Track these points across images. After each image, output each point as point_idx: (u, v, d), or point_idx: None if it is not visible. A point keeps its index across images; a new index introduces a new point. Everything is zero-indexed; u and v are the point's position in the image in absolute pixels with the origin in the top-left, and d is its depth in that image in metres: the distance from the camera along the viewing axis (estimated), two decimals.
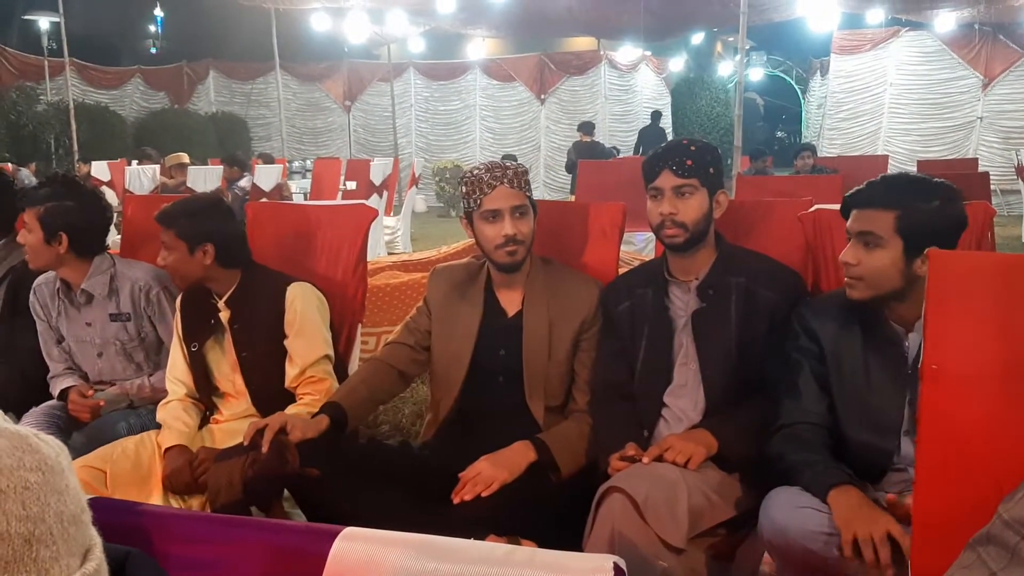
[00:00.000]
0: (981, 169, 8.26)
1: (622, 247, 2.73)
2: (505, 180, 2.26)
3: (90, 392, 2.73)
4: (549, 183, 17.42)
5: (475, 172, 2.31)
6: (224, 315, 2.58)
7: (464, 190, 2.33)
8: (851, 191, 2.03)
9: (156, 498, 2.35)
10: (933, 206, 1.90)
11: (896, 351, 1.97)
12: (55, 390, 2.79)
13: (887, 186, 1.97)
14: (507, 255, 2.28)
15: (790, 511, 1.83)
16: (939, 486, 1.53)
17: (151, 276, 2.77)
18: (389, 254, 8.91)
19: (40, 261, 2.71)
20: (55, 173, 2.86)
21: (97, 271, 2.75)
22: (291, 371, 2.55)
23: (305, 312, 2.55)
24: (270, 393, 2.54)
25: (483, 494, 2.02)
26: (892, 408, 1.93)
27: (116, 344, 2.77)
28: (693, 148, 2.21)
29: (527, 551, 1.19)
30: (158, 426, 2.57)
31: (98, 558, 0.73)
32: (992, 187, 10.25)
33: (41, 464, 0.70)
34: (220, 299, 2.59)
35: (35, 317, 2.85)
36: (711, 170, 2.22)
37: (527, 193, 2.30)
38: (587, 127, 11.30)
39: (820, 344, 2.05)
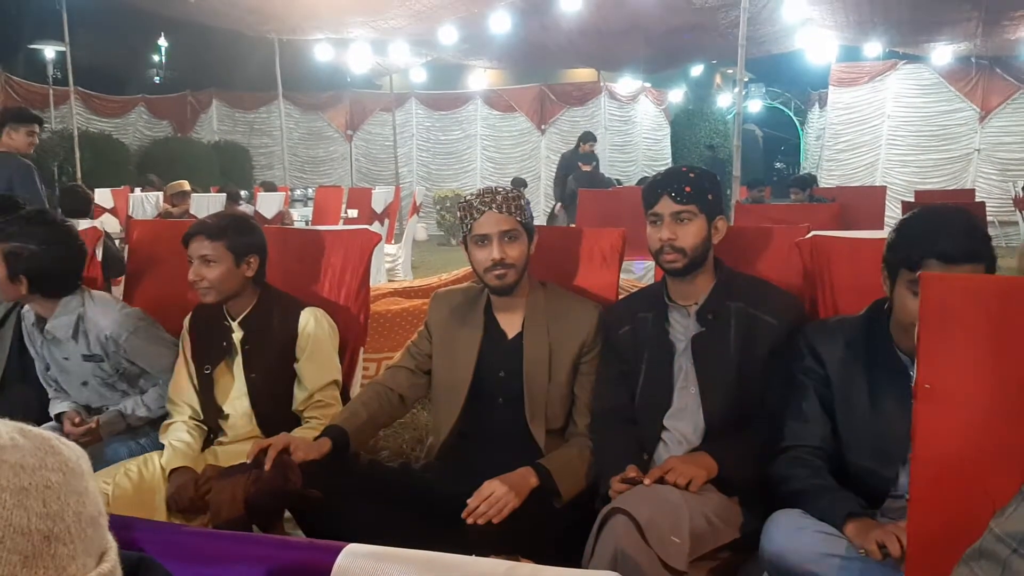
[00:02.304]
0: (978, 199, 8.31)
1: (621, 275, 2.76)
2: (494, 205, 2.30)
3: (77, 419, 2.69)
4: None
5: (467, 198, 2.37)
6: (237, 335, 2.61)
7: (459, 215, 2.39)
8: (936, 243, 1.85)
9: (159, 519, 2.36)
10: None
11: (902, 380, 1.96)
12: (52, 412, 2.79)
13: (977, 237, 1.89)
14: (496, 278, 2.32)
15: (792, 533, 1.85)
16: (933, 504, 1.54)
17: (118, 324, 2.66)
18: (389, 281, 8.93)
19: (6, 296, 2.66)
20: (29, 211, 2.76)
21: (63, 311, 2.66)
22: (300, 394, 2.58)
23: (317, 337, 2.59)
24: (276, 415, 2.56)
25: (494, 520, 2.02)
26: (896, 436, 1.91)
27: (96, 379, 2.74)
28: (692, 175, 2.25)
29: (529, 567, 1.21)
30: (161, 448, 2.59)
31: (113, 560, 0.76)
32: (990, 218, 10.30)
33: (62, 465, 0.72)
34: (234, 320, 2.62)
35: (29, 347, 2.83)
36: (710, 196, 2.25)
37: (519, 218, 2.33)
38: (588, 158, 11.36)
39: (825, 368, 2.07)
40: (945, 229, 1.87)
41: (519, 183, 13.59)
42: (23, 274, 2.56)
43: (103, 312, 2.68)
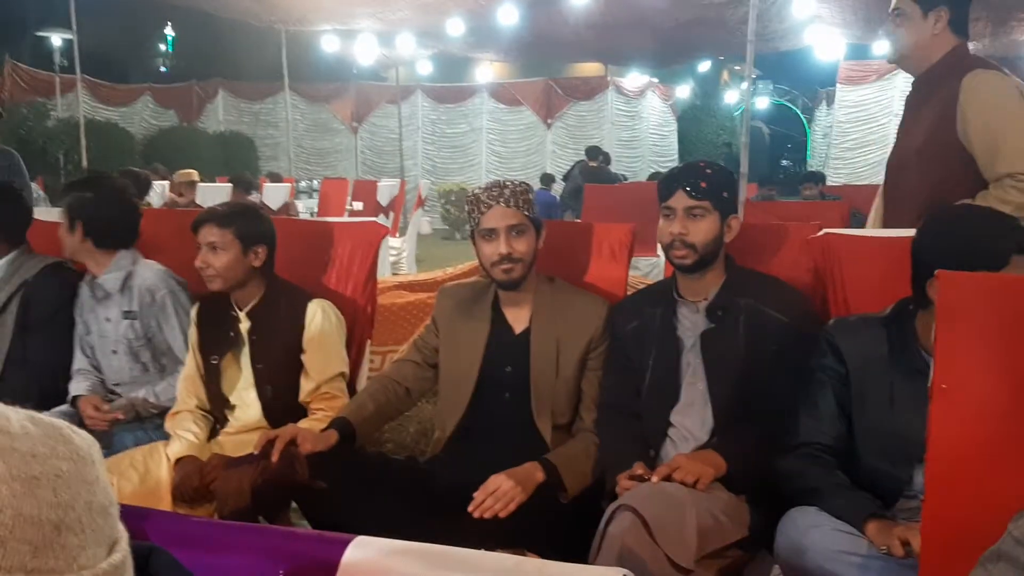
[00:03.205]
0: None
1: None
2: (501, 200, 2.29)
3: (106, 406, 2.74)
4: None
5: (475, 192, 2.36)
6: (244, 326, 2.61)
7: (467, 209, 2.38)
8: (1018, 237, 1.84)
9: (164, 509, 2.36)
10: None
11: (923, 379, 1.95)
12: (72, 388, 2.84)
13: None
14: (503, 272, 2.31)
15: (809, 531, 1.84)
16: (948, 505, 1.53)
17: (160, 278, 2.84)
18: (394, 275, 8.93)
19: (65, 250, 2.88)
20: (92, 172, 3.13)
21: (115, 267, 2.84)
22: (306, 386, 2.58)
23: (324, 329, 2.59)
24: (282, 407, 2.56)
25: (500, 514, 2.02)
26: (913, 437, 1.88)
27: (125, 342, 2.83)
28: (709, 171, 2.24)
29: (536, 562, 1.21)
30: (166, 437, 2.59)
31: (124, 550, 0.75)
32: None
33: (73, 454, 0.71)
34: (241, 310, 2.62)
35: (76, 314, 2.94)
36: (724, 194, 2.24)
37: (526, 212, 2.32)
38: (594, 152, 11.37)
39: (846, 365, 2.05)
40: (1008, 223, 1.87)
41: (548, 179, 13.55)
42: (79, 219, 2.80)
43: (150, 267, 2.89)
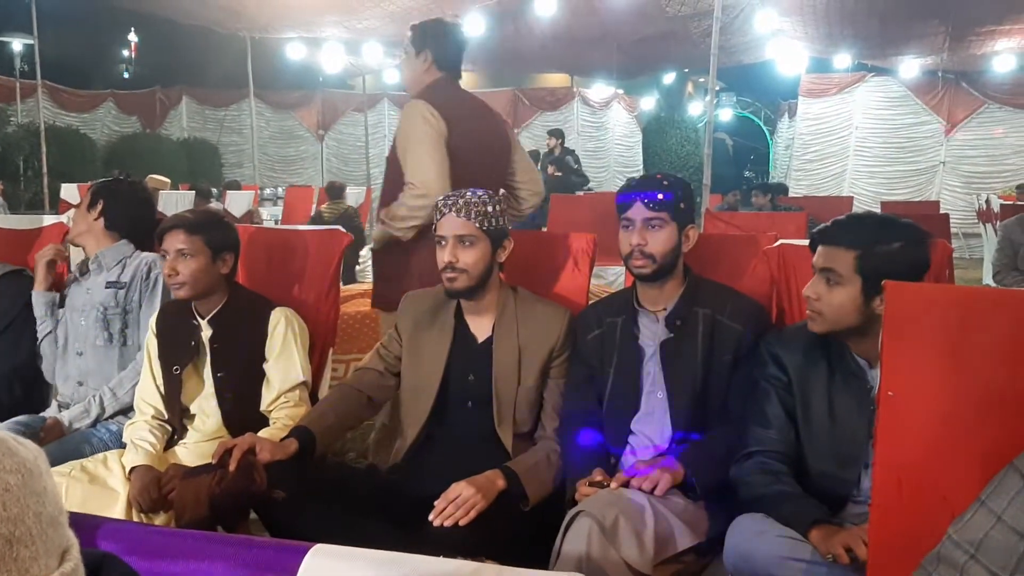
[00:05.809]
0: (942, 211, 8.46)
1: (593, 281, 2.77)
2: (454, 209, 2.32)
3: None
4: None
5: (438, 198, 2.39)
6: (205, 333, 2.59)
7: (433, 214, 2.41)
8: (819, 227, 2.09)
9: (116, 516, 2.33)
10: (894, 248, 1.94)
11: (860, 384, 2.01)
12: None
13: (851, 226, 2.03)
14: (447, 281, 2.35)
15: (755, 537, 1.87)
16: (894, 509, 1.57)
17: (160, 259, 2.87)
18: (360, 283, 8.88)
19: (76, 229, 2.99)
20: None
21: (115, 250, 2.92)
22: (267, 395, 2.57)
23: (287, 337, 2.59)
24: (242, 416, 2.54)
25: (461, 522, 2.02)
26: (855, 441, 1.96)
27: (99, 309, 2.83)
28: (666, 183, 2.28)
29: (495, 568, 1.21)
30: (122, 446, 2.56)
31: (75, 558, 0.75)
32: (955, 230, 10.44)
33: (20, 467, 0.71)
34: (203, 318, 2.61)
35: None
36: (681, 205, 2.28)
37: (478, 224, 2.32)
38: (558, 163, 11.40)
39: (787, 374, 2.10)
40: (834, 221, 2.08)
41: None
42: (100, 199, 2.95)
43: (151, 254, 2.95)
